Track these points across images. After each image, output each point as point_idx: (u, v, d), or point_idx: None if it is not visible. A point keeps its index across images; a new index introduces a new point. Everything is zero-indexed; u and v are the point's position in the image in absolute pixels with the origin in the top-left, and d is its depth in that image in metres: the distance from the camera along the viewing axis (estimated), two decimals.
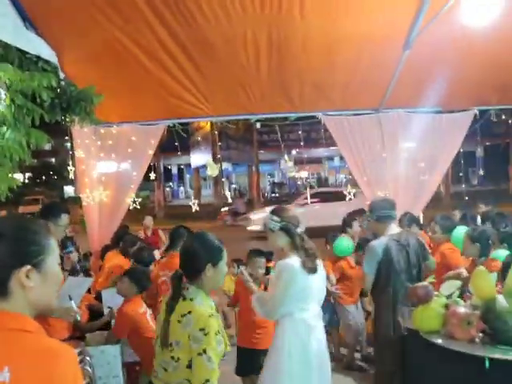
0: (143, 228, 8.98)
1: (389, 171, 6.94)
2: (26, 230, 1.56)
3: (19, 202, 23.29)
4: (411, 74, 5.91)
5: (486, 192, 21.60)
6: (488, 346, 2.97)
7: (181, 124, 7.11)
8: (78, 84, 5.00)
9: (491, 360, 2.81)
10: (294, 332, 3.50)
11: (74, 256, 4.91)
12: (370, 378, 5.43)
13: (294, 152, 38.34)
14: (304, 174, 47.29)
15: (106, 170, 6.99)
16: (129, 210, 7.13)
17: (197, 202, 7.89)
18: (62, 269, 4.30)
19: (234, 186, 47.64)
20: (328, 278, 5.75)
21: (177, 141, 7.35)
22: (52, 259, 1.58)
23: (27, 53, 4.27)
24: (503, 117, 7.28)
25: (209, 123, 26.95)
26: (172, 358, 2.51)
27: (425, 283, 3.52)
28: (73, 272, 4.91)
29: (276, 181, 48.36)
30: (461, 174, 8.74)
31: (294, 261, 3.50)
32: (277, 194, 41.77)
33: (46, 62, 4.49)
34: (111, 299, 4.77)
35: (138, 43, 5.03)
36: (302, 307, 3.51)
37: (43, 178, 45.06)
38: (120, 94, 5.92)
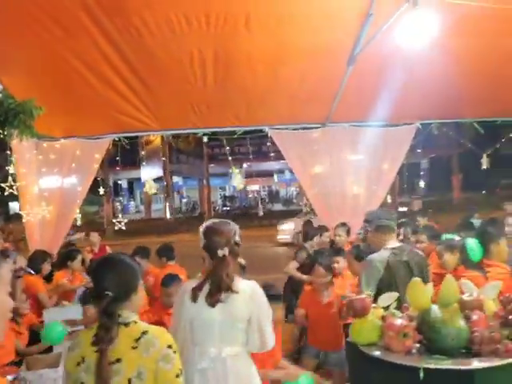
0: (89, 245, 8.74)
1: (336, 183, 7.05)
2: None
3: None
4: (356, 89, 6.03)
5: (429, 202, 22.24)
6: (424, 356, 3.01)
7: (128, 138, 6.99)
8: (18, 98, 4.85)
9: (426, 370, 2.83)
10: None
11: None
12: None
13: (244, 165, 38.48)
14: (255, 187, 47.57)
15: (48, 185, 6.77)
16: (77, 225, 6.94)
17: (123, 220, 7.78)
18: None
19: (184, 199, 47.28)
20: None
21: (125, 155, 7.24)
22: None
23: None
24: (444, 129, 7.54)
25: (159, 137, 26.75)
26: None
27: (362, 296, 3.49)
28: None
29: (227, 194, 48.28)
30: (408, 185, 8.96)
31: None
32: (228, 208, 41.72)
33: None
34: (54, 319, 4.61)
35: (79, 57, 4.91)
36: None
37: None
38: (63, 109, 5.76)
